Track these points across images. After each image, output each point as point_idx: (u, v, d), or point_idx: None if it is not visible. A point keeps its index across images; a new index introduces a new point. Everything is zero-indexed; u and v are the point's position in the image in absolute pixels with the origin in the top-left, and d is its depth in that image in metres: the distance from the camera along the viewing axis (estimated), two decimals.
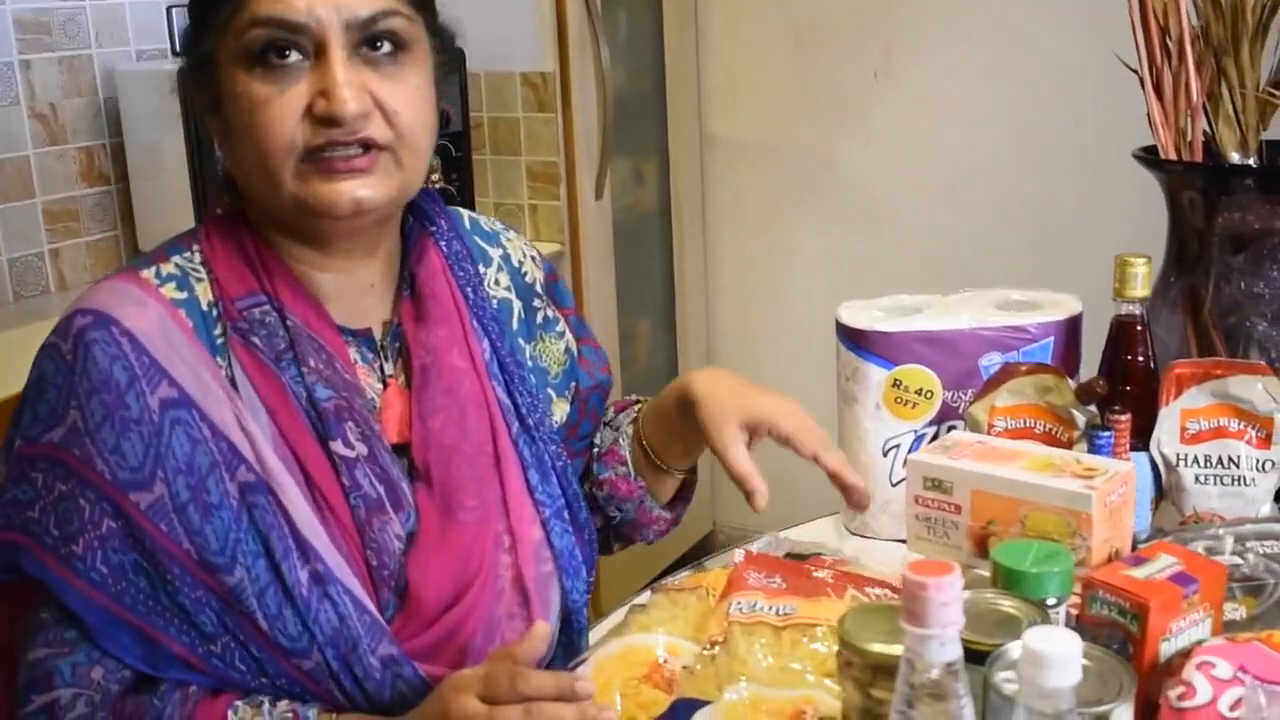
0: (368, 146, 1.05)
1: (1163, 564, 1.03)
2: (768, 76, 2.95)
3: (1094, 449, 1.20)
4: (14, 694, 1.03)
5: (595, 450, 1.35)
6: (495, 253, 1.27)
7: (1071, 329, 1.36)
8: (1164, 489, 1.27)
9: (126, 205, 2.49)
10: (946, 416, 1.34)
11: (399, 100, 1.06)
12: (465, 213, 1.29)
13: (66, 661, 1.01)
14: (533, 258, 1.31)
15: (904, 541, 1.21)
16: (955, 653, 0.78)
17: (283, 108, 1.02)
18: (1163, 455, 1.26)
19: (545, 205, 2.68)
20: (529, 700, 0.92)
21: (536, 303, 1.29)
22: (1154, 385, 1.27)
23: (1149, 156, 1.38)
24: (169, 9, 2.48)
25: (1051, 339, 1.34)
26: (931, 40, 2.71)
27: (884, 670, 0.86)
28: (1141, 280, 1.26)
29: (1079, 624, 1.00)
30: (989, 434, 1.27)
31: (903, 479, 1.26)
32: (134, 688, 1.03)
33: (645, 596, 1.20)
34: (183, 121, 2.24)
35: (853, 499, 1.20)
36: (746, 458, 1.18)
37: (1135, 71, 1.38)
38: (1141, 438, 1.25)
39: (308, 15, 1.02)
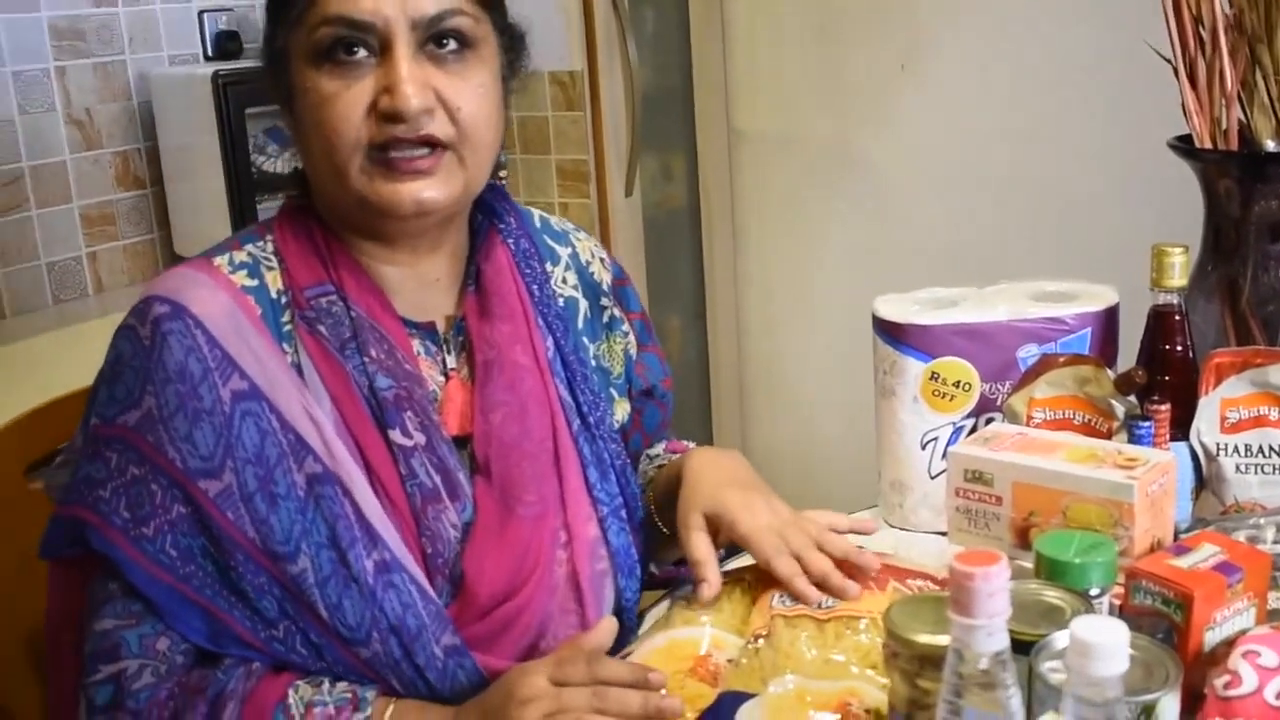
0: (431, 145, 1.07)
1: (1206, 553, 1.03)
2: (794, 70, 2.95)
3: (1134, 439, 1.20)
4: (81, 660, 1.06)
5: None
6: (564, 251, 1.29)
7: (1109, 319, 1.36)
8: (1204, 479, 1.27)
9: (162, 208, 2.52)
10: (985, 409, 1.35)
11: (463, 97, 1.07)
12: (536, 212, 1.31)
13: (134, 633, 1.04)
14: (601, 259, 1.33)
15: (944, 534, 1.22)
16: (1003, 643, 0.78)
17: (349, 103, 1.05)
18: (1203, 445, 1.26)
19: (575, 203, 2.70)
20: (601, 684, 0.95)
21: (604, 302, 1.30)
22: (1193, 375, 1.27)
23: (1184, 146, 1.38)
24: (201, 14, 2.51)
25: (1089, 330, 1.34)
26: (958, 31, 2.70)
27: (930, 661, 0.87)
28: (1179, 270, 1.26)
29: (1123, 614, 1.01)
30: (1028, 425, 1.27)
31: (941, 471, 1.27)
32: (198, 660, 1.05)
33: (687, 589, 1.20)
34: (216, 124, 2.27)
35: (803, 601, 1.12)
36: (702, 546, 1.15)
37: (1169, 61, 1.38)
38: (1181, 428, 1.25)
39: (374, 14, 1.04)
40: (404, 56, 1.05)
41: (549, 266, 1.26)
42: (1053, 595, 0.96)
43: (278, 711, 1.01)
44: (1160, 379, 1.27)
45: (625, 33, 2.61)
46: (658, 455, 1.39)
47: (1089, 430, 1.26)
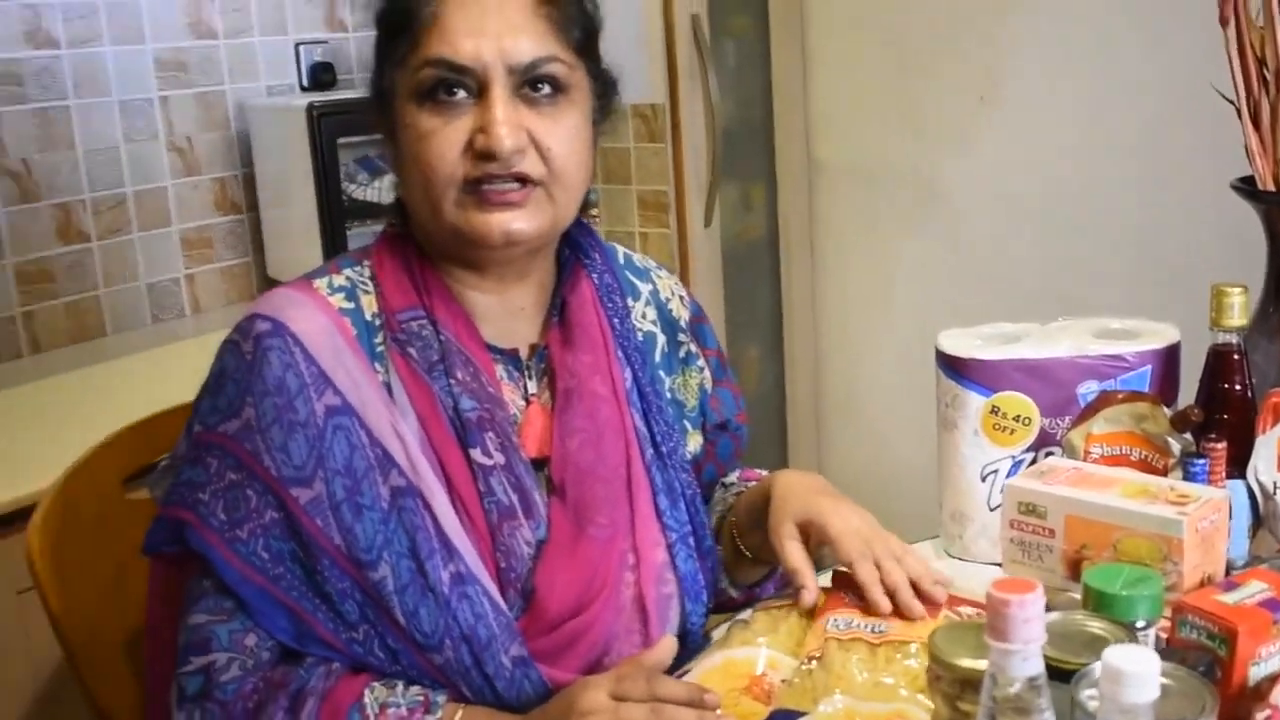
0: (522, 181, 1.13)
1: (1253, 590, 1.05)
2: (874, 102, 2.98)
3: (1189, 476, 1.22)
4: (175, 651, 1.12)
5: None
6: (645, 288, 1.34)
7: (1169, 358, 1.37)
8: (1261, 516, 1.28)
9: (257, 233, 2.62)
10: (1044, 443, 1.37)
11: (554, 138, 1.13)
12: (620, 249, 1.37)
13: (224, 628, 1.10)
14: (680, 297, 1.38)
15: (1000, 565, 1.25)
16: (1037, 668, 0.81)
17: (446, 141, 1.12)
18: (1259, 483, 1.27)
19: (655, 233, 2.75)
20: (658, 701, 0.99)
21: (681, 337, 1.35)
22: (1251, 413, 1.28)
23: (1247, 187, 1.39)
24: (297, 46, 2.60)
25: (1149, 367, 1.36)
26: (1035, 67, 2.72)
27: (971, 684, 0.90)
28: (1238, 310, 1.28)
29: (1169, 647, 1.03)
30: (1085, 460, 1.29)
31: (1000, 504, 1.30)
32: (282, 658, 1.11)
33: (747, 613, 1.24)
34: (310, 152, 2.35)
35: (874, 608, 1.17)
36: (799, 555, 1.20)
37: (1233, 103, 1.40)
38: (1239, 466, 1.27)
39: (474, 59, 1.11)
40: (500, 99, 1.11)
41: (630, 301, 1.31)
42: (1097, 626, 0.99)
43: (353, 710, 1.06)
44: (1219, 417, 1.29)
45: (706, 67, 2.66)
46: (733, 484, 1.43)
47: (1145, 466, 1.28)
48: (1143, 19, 2.55)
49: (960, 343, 1.41)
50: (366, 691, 1.08)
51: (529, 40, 1.13)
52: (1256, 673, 1.01)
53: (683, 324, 1.36)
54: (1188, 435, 1.26)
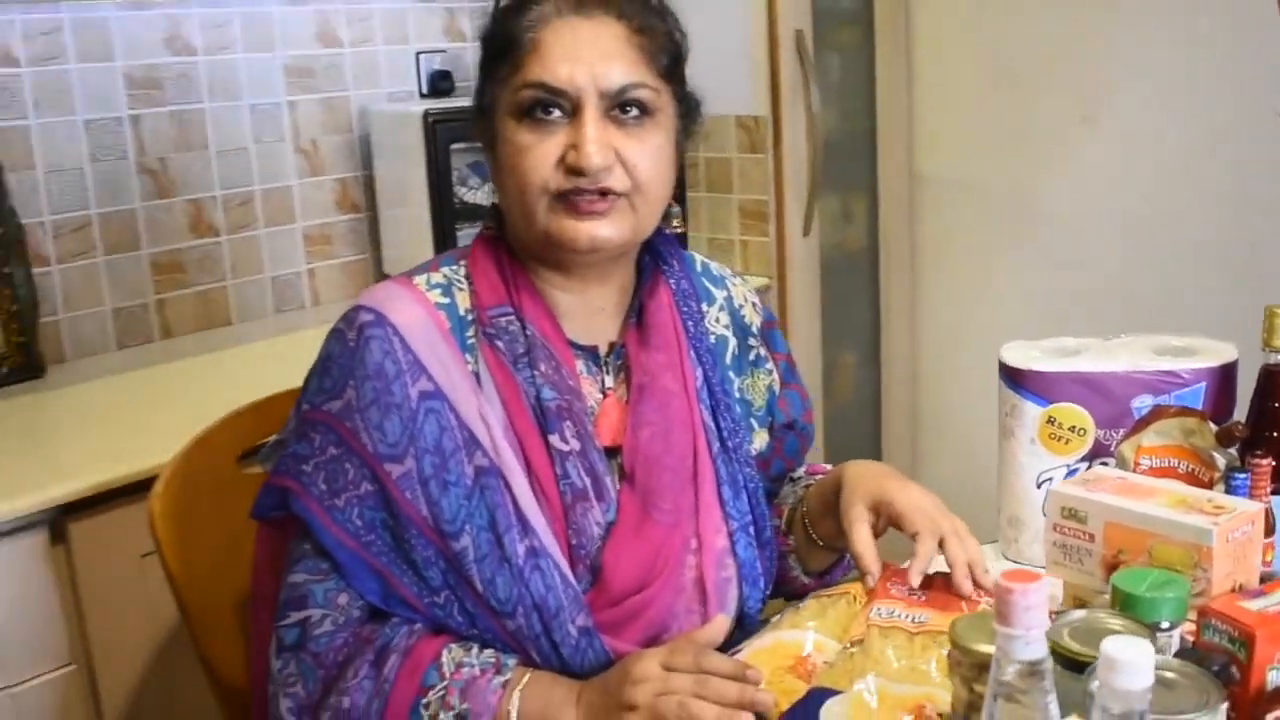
0: (606, 193, 1.23)
1: (1277, 598, 1.10)
2: (978, 118, 3.02)
3: (1230, 490, 1.27)
4: (277, 606, 1.24)
5: (773, 500, 1.47)
6: (720, 294, 1.43)
7: (1224, 376, 1.42)
8: None
9: (375, 231, 2.74)
10: (1099, 453, 1.42)
11: (639, 156, 1.23)
12: (699, 257, 1.46)
13: (320, 587, 1.21)
14: (753, 304, 1.47)
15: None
16: (1039, 652, 0.88)
17: (541, 155, 1.22)
18: None
19: (755, 241, 2.83)
20: (705, 673, 1.08)
21: (751, 342, 1.44)
22: None
23: None
24: (418, 55, 2.73)
25: (1203, 384, 1.40)
26: (1136, 88, 2.74)
27: (987, 668, 0.97)
28: None
29: (1194, 648, 1.08)
30: (1135, 471, 1.35)
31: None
32: (370, 616, 1.22)
33: (803, 601, 1.32)
34: (425, 157, 2.47)
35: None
36: (865, 538, 1.26)
37: None
38: None
39: (569, 83, 1.21)
40: (591, 120, 1.22)
41: (704, 306, 1.41)
42: (1118, 623, 1.05)
43: (431, 667, 1.17)
44: (1269, 435, 1.33)
45: (809, 81, 2.73)
46: (801, 478, 1.51)
47: (1192, 479, 1.33)
48: (1243, 41, 2.56)
49: (1020, 354, 1.47)
50: (444, 651, 1.18)
51: (620, 67, 1.23)
52: (1275, 677, 1.06)
53: (754, 329, 1.45)
54: (1232, 450, 1.30)
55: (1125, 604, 1.10)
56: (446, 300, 1.28)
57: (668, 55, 1.28)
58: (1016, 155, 2.97)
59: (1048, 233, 2.93)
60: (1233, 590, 1.17)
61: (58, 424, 2.04)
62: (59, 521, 1.70)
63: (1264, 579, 1.22)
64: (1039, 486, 1.45)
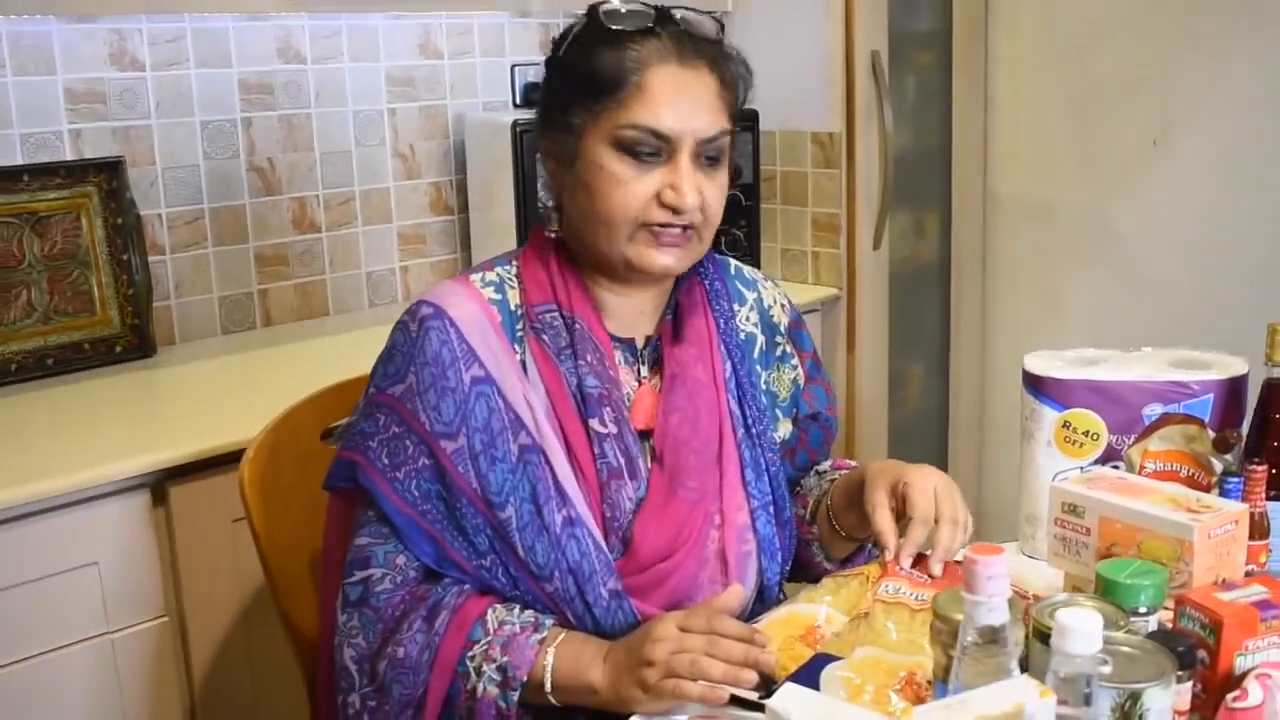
0: (686, 227, 1.37)
1: (1251, 592, 1.19)
2: (1052, 140, 3.09)
3: (1224, 492, 1.36)
4: (344, 566, 1.39)
5: (797, 490, 1.60)
6: (751, 295, 1.57)
7: (1232, 388, 1.50)
8: None
9: (465, 233, 2.89)
10: (1110, 457, 1.51)
11: (712, 195, 1.39)
12: (734, 262, 1.60)
13: (381, 549, 1.36)
14: (782, 305, 1.60)
15: None
16: (1001, 618, 1.00)
17: (638, 189, 1.36)
18: None
19: (826, 252, 2.93)
20: (716, 635, 1.21)
21: (778, 339, 1.57)
22: None
23: None
24: (513, 67, 2.87)
25: (1211, 395, 1.49)
26: (1206, 113, 2.79)
27: None
28: None
29: (1164, 631, 1.18)
30: (1140, 474, 1.44)
31: None
32: (425, 577, 1.36)
33: (821, 581, 1.44)
34: (513, 164, 2.61)
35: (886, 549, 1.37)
36: (885, 519, 1.39)
37: None
38: None
39: (673, 130, 1.35)
40: (686, 165, 1.36)
41: (736, 306, 1.54)
42: (1092, 604, 1.15)
43: (477, 624, 1.31)
44: (1270, 444, 1.42)
45: (883, 100, 2.83)
46: (826, 471, 1.63)
47: (1191, 482, 1.42)
48: None
49: (1043, 363, 1.57)
50: (489, 610, 1.32)
51: (710, 118, 1.37)
52: (1243, 663, 1.16)
53: (782, 328, 1.58)
54: (1229, 456, 1.39)
55: (1107, 589, 1.20)
56: (499, 297, 1.42)
57: (740, 102, 1.43)
58: (1088, 178, 3.04)
59: (1116, 254, 2.99)
60: (1215, 584, 1.26)
61: (164, 398, 2.22)
62: (161, 485, 1.86)
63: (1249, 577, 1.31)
64: None
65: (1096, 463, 1.52)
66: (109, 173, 2.32)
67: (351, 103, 2.71)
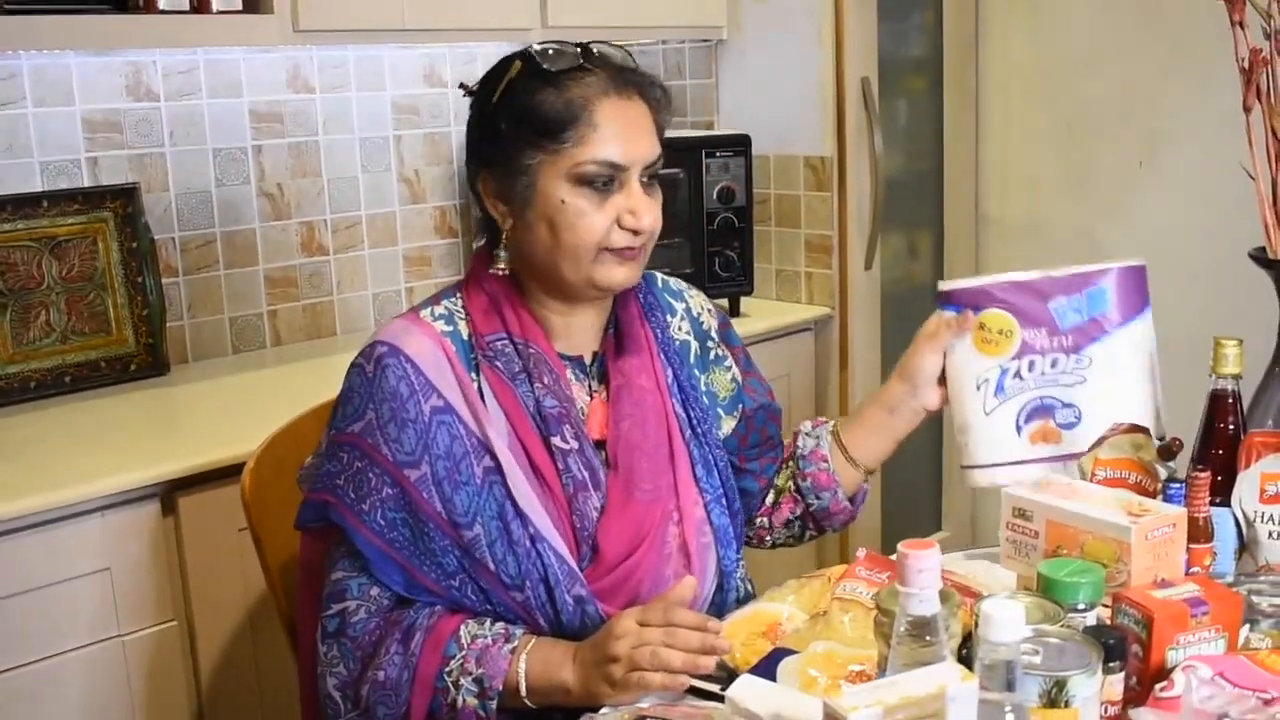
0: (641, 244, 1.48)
1: (1184, 590, 1.27)
2: (1041, 162, 3.17)
3: (1167, 498, 1.43)
4: (319, 602, 1.46)
5: (799, 452, 1.69)
6: (679, 306, 1.66)
7: (1131, 275, 1.53)
8: (1244, 541, 1.48)
9: (469, 255, 2.98)
10: (1025, 352, 1.52)
11: (655, 211, 1.48)
12: (659, 275, 1.69)
13: (355, 581, 1.44)
14: (709, 310, 1.69)
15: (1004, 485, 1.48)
16: (931, 609, 1.07)
17: (599, 218, 1.44)
18: (1243, 511, 1.47)
19: (819, 273, 3.01)
20: (673, 626, 1.28)
21: (709, 344, 1.66)
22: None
23: (1261, 256, 1.58)
24: None
25: (1110, 283, 1.52)
26: (1191, 135, 2.86)
27: None
28: (1233, 359, 1.48)
29: (1098, 626, 1.25)
30: (1091, 480, 1.51)
31: (995, 407, 1.53)
32: (398, 604, 1.44)
33: (786, 582, 1.52)
34: None
35: None
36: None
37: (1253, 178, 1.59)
38: (1227, 495, 1.47)
39: (626, 160, 1.44)
40: (637, 189, 1.45)
41: (668, 317, 1.64)
42: (1028, 600, 1.23)
43: (451, 640, 1.38)
44: (1213, 452, 1.49)
45: (873, 125, 2.91)
46: (810, 430, 1.72)
47: (1139, 489, 1.49)
48: None
49: (954, 282, 1.60)
50: (462, 626, 1.40)
51: (649, 143, 1.47)
52: (1175, 656, 1.23)
53: (712, 333, 1.67)
54: (1172, 464, 1.46)
55: (1047, 587, 1.28)
56: (451, 328, 1.49)
57: (665, 125, 1.52)
58: (1077, 199, 3.11)
59: None
60: (1154, 583, 1.33)
61: (176, 414, 2.32)
62: (170, 495, 1.95)
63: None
64: (978, 389, 1.56)
65: (1014, 358, 1.53)
66: (124, 198, 2.42)
67: (358, 130, 2.80)
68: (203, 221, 2.59)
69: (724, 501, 1.57)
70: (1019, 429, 1.53)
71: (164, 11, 2.14)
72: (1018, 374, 1.53)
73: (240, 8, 2.21)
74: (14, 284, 2.31)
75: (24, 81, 2.33)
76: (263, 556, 1.70)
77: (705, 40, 3.06)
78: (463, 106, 2.89)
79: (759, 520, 1.71)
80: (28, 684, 1.84)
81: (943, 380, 1.59)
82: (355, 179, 2.81)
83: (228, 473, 1.94)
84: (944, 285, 1.62)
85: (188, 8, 2.17)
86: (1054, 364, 1.52)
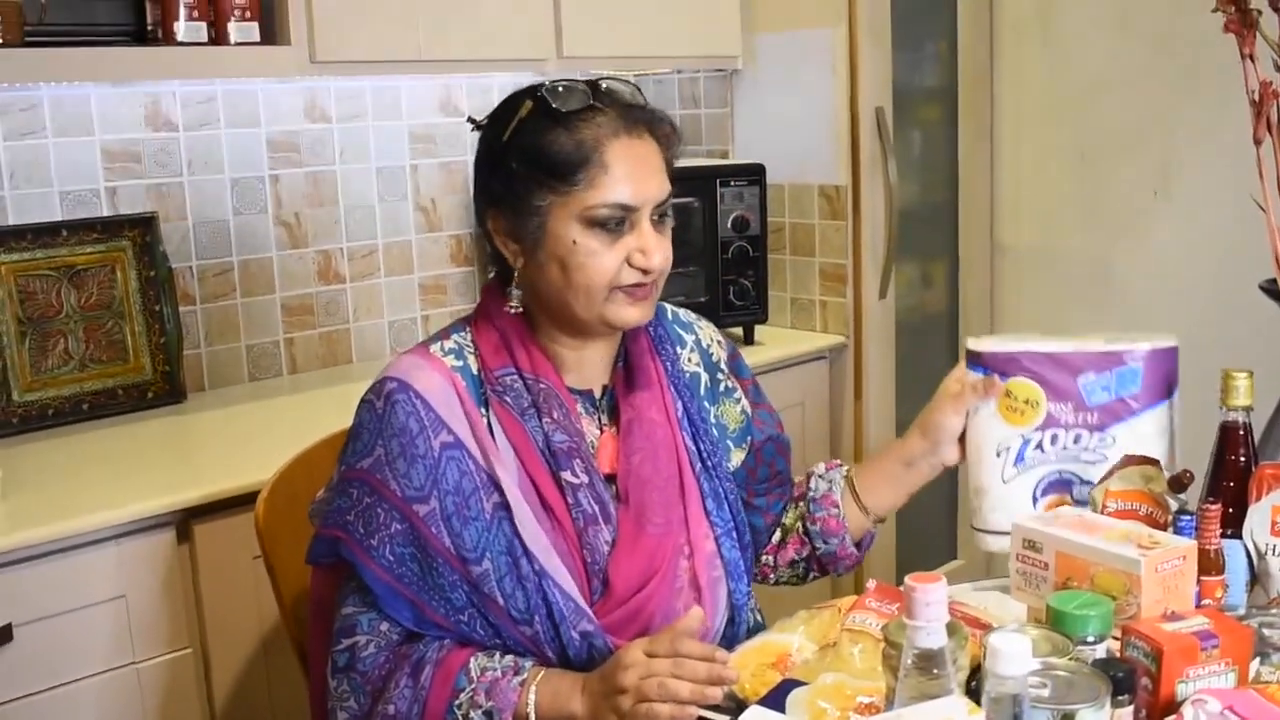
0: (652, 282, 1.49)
1: (1194, 623, 1.26)
2: (1055, 191, 3.17)
3: (1178, 530, 1.43)
4: (330, 636, 1.47)
5: (810, 495, 1.69)
6: (689, 338, 1.66)
7: (1162, 359, 1.54)
8: (1256, 573, 1.47)
9: (483, 284, 2.99)
10: (1050, 424, 1.55)
11: (666, 249, 1.49)
12: (669, 307, 1.69)
13: (365, 617, 1.44)
14: (718, 342, 1.70)
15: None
16: (938, 641, 1.07)
17: (610, 259, 1.45)
18: (1254, 543, 1.46)
19: (833, 301, 3.01)
20: (680, 656, 1.29)
21: (719, 376, 1.66)
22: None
23: (1272, 288, 1.58)
24: None
25: (1141, 365, 1.54)
26: (1206, 164, 2.86)
27: None
28: (1243, 392, 1.48)
29: (1107, 659, 1.25)
30: (1103, 513, 1.51)
31: (1013, 476, 1.55)
32: (407, 638, 1.44)
33: (796, 613, 1.52)
34: None
35: None
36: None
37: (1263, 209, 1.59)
38: (1239, 527, 1.47)
39: (635, 200, 1.44)
40: (648, 229, 1.46)
41: (677, 349, 1.64)
42: (1037, 633, 1.23)
43: (461, 673, 1.39)
44: (1224, 484, 1.49)
45: (887, 155, 2.92)
46: (824, 473, 1.72)
47: (1149, 520, 1.48)
48: None
49: (983, 341, 1.62)
50: (471, 659, 1.40)
51: (659, 182, 1.48)
52: (1185, 690, 1.22)
53: (722, 365, 1.67)
54: (1182, 496, 1.46)
55: (1056, 620, 1.27)
56: (460, 363, 1.50)
57: (675, 161, 1.53)
58: (1092, 228, 3.11)
59: (1120, 301, 3.06)
60: (1164, 615, 1.33)
61: (192, 442, 2.33)
62: (185, 523, 1.97)
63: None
64: (998, 456, 1.57)
65: (1038, 429, 1.55)
66: (143, 228, 2.44)
67: (375, 159, 2.82)
68: (220, 250, 2.61)
69: (734, 535, 1.57)
70: (1035, 500, 1.56)
71: (183, 43, 2.17)
72: (1040, 446, 1.56)
73: (258, 39, 2.24)
74: (33, 313, 2.33)
75: (44, 112, 2.36)
76: (276, 585, 1.71)
77: (720, 70, 3.07)
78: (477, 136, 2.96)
79: (764, 558, 1.71)
80: (42, 712, 1.85)
81: (962, 438, 1.60)
82: (372, 208, 2.83)
83: (243, 501, 1.95)
84: (974, 345, 1.63)
85: (206, 40, 2.19)
86: (1077, 440, 1.55)
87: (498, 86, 2.97)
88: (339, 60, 2.33)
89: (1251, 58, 1.61)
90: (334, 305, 2.80)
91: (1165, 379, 1.56)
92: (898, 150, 2.97)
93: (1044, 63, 3.18)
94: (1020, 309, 3.28)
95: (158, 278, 2.45)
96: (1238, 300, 2.85)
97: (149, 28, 2.20)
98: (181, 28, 2.16)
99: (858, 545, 1.70)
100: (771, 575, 1.73)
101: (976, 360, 1.61)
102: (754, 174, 2.83)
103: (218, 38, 2.20)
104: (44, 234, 2.34)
